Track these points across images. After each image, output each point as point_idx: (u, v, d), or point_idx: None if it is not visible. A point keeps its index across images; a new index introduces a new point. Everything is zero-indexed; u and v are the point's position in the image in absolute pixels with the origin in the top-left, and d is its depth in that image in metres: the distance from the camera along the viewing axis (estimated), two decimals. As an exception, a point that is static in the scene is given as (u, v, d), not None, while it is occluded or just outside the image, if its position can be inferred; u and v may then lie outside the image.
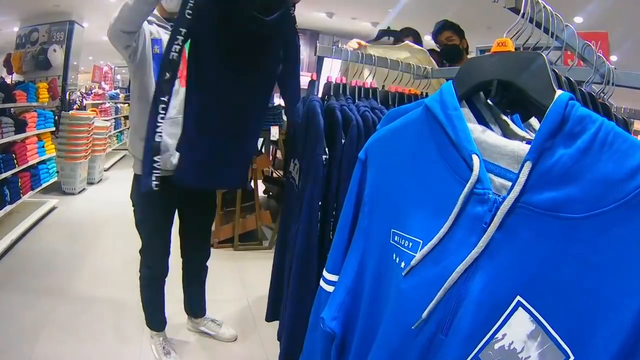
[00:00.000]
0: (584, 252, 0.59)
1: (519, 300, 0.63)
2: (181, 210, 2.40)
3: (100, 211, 5.24)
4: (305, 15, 7.93)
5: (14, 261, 3.86)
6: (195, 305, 2.73)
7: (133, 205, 2.27)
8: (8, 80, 7.85)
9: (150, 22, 2.11)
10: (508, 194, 0.64)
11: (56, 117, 6.23)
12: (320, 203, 1.33)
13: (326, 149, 1.31)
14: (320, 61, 1.94)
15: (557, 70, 0.78)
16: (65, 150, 6.08)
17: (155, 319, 2.52)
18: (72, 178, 6.12)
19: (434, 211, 0.73)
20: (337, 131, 1.32)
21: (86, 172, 6.56)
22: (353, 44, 2.24)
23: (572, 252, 0.60)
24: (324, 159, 1.31)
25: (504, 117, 0.82)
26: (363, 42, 2.32)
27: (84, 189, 6.41)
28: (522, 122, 0.87)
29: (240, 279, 3.63)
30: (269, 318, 1.79)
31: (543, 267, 0.62)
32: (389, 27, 3.13)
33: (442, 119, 0.74)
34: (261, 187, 5.69)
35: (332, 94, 1.49)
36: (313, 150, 1.32)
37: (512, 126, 0.81)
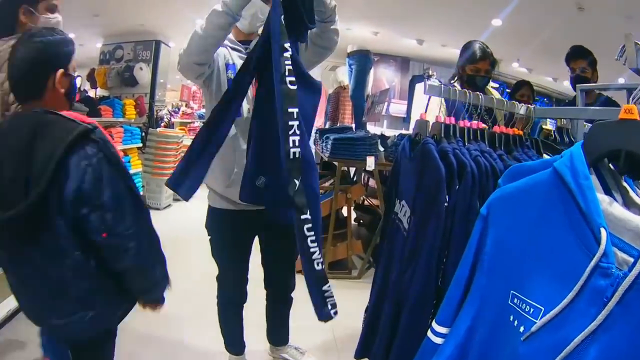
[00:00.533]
0: None
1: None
2: (261, 241, 2.39)
3: (184, 228, 5.34)
4: (395, 42, 8.01)
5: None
6: (277, 335, 2.75)
7: (208, 234, 2.32)
8: (92, 94, 8.31)
9: (222, 45, 2.08)
10: (630, 270, 0.70)
11: (143, 134, 6.61)
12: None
13: (447, 197, 1.31)
14: (411, 90, 1.94)
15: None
16: (152, 167, 6.42)
17: (233, 342, 2.57)
18: (157, 193, 6.43)
19: (557, 279, 0.79)
20: (451, 177, 1.32)
21: (172, 188, 6.78)
22: None
23: None
24: (444, 207, 1.31)
25: (624, 184, 0.87)
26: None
27: (169, 205, 6.70)
28: (633, 180, 0.90)
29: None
30: (358, 355, 1.80)
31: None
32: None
33: (574, 188, 0.80)
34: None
35: (442, 135, 1.49)
36: (434, 198, 1.31)
37: (632, 194, 0.86)
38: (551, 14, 5.19)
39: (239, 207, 2.05)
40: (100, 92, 8.49)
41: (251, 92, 2.00)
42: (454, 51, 8.38)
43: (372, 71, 6.18)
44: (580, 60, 3.34)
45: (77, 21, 7.64)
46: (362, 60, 5.80)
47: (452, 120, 1.52)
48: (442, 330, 1.03)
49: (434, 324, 1.05)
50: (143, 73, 8.16)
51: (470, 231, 1.11)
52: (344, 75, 6.63)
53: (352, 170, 5.50)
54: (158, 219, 5.74)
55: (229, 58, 2.11)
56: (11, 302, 2.90)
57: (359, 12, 5.95)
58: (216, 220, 2.25)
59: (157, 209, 6.39)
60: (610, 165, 0.88)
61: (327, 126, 6.59)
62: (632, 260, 0.71)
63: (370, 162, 4.12)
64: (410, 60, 9.52)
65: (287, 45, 1.50)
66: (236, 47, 2.15)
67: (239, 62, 2.09)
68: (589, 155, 0.84)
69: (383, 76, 8.74)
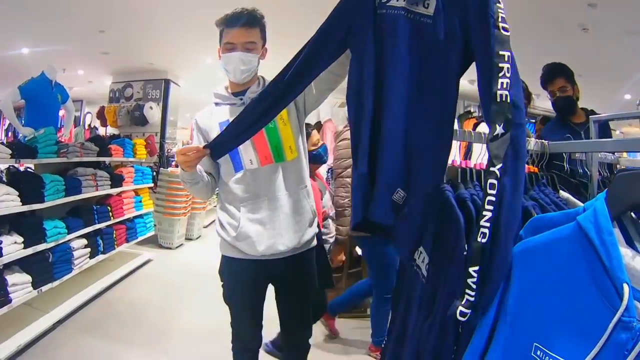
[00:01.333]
0: None
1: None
2: (276, 287, 2.28)
3: (196, 268, 5.41)
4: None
5: (103, 308, 4.11)
6: None
7: (221, 280, 2.33)
8: (102, 132, 8.42)
9: (218, 105, 2.12)
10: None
11: (154, 173, 6.67)
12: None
13: (466, 246, 1.25)
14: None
15: None
16: (164, 207, 6.47)
17: None
18: (169, 233, 6.48)
19: (580, 333, 0.81)
20: (470, 225, 1.28)
21: (184, 228, 6.88)
22: None
23: None
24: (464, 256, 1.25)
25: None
26: None
27: (181, 244, 6.73)
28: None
29: (342, 346, 3.62)
30: None
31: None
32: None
33: (597, 244, 0.82)
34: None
35: (459, 180, 1.47)
36: (453, 248, 1.28)
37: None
38: (557, 39, 5.23)
39: (250, 257, 2.03)
40: (110, 129, 8.61)
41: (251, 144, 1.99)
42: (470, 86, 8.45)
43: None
44: (558, 79, 3.18)
45: (86, 57, 7.76)
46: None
47: (469, 164, 1.51)
48: (466, 379, 1.02)
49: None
50: (153, 112, 8.26)
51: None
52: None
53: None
54: (171, 259, 5.77)
55: (222, 115, 2.08)
56: (17, 340, 3.14)
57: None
58: (228, 268, 2.22)
59: (169, 248, 6.43)
60: (633, 214, 0.88)
61: (336, 165, 6.54)
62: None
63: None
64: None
65: None
66: (229, 101, 2.11)
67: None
68: (612, 209, 0.85)
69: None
